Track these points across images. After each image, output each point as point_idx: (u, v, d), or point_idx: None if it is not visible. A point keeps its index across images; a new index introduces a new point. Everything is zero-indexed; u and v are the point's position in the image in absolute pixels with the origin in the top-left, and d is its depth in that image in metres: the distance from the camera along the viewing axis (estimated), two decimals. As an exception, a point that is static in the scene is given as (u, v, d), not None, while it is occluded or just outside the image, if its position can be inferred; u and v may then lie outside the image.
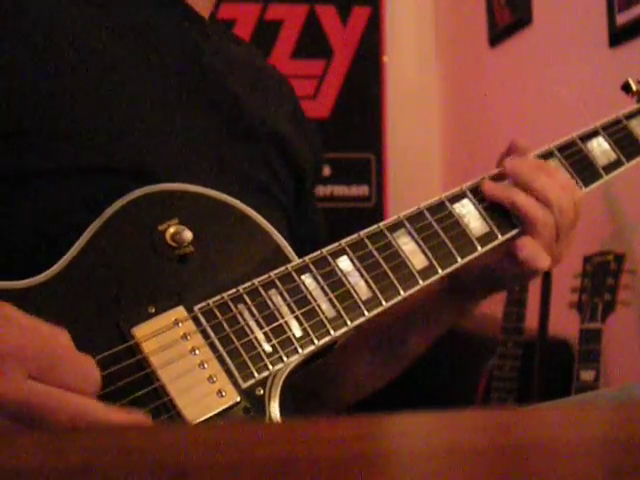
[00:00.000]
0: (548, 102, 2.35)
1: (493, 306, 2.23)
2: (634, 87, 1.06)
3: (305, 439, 0.32)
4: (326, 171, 2.92)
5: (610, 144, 0.98)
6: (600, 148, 0.98)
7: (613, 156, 0.98)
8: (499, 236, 0.88)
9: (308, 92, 2.94)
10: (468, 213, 0.88)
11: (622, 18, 2.00)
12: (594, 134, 0.99)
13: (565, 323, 1.99)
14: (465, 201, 0.88)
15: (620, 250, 1.89)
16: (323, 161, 1.08)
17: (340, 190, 2.96)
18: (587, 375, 1.78)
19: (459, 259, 0.85)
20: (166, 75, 0.86)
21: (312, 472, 0.28)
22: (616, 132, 1.00)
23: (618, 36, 2.01)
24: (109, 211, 0.75)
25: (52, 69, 0.79)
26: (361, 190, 2.99)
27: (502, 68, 2.70)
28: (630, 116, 1.02)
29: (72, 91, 0.79)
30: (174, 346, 0.71)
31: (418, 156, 3.06)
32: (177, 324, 0.72)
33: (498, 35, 2.67)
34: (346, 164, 2.96)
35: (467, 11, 2.92)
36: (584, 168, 0.95)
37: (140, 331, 0.71)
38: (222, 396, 0.71)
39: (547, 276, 2.08)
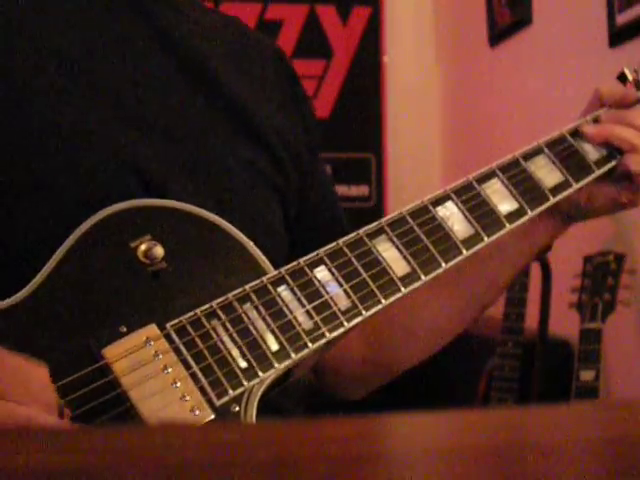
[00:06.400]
0: (548, 102, 2.35)
1: (493, 306, 2.23)
2: (630, 76, 1.01)
3: (305, 439, 0.32)
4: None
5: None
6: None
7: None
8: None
9: (308, 92, 2.94)
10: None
11: (622, 18, 2.00)
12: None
13: (565, 323, 1.99)
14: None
15: (620, 250, 1.89)
16: (319, 135, 1.04)
17: (340, 190, 2.96)
18: (587, 375, 1.78)
19: (444, 264, 0.83)
20: (141, 70, 0.85)
21: (312, 472, 0.28)
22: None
23: (618, 36, 2.01)
24: (81, 229, 0.73)
25: (17, 83, 0.77)
26: (361, 190, 2.99)
27: (502, 68, 2.70)
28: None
29: (43, 103, 0.77)
30: (145, 365, 0.70)
31: (418, 156, 3.06)
32: (149, 342, 0.71)
33: (498, 35, 2.67)
34: (346, 164, 2.96)
35: (467, 11, 2.92)
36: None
37: (110, 351, 0.70)
38: (195, 414, 0.69)
39: (547, 276, 2.08)
